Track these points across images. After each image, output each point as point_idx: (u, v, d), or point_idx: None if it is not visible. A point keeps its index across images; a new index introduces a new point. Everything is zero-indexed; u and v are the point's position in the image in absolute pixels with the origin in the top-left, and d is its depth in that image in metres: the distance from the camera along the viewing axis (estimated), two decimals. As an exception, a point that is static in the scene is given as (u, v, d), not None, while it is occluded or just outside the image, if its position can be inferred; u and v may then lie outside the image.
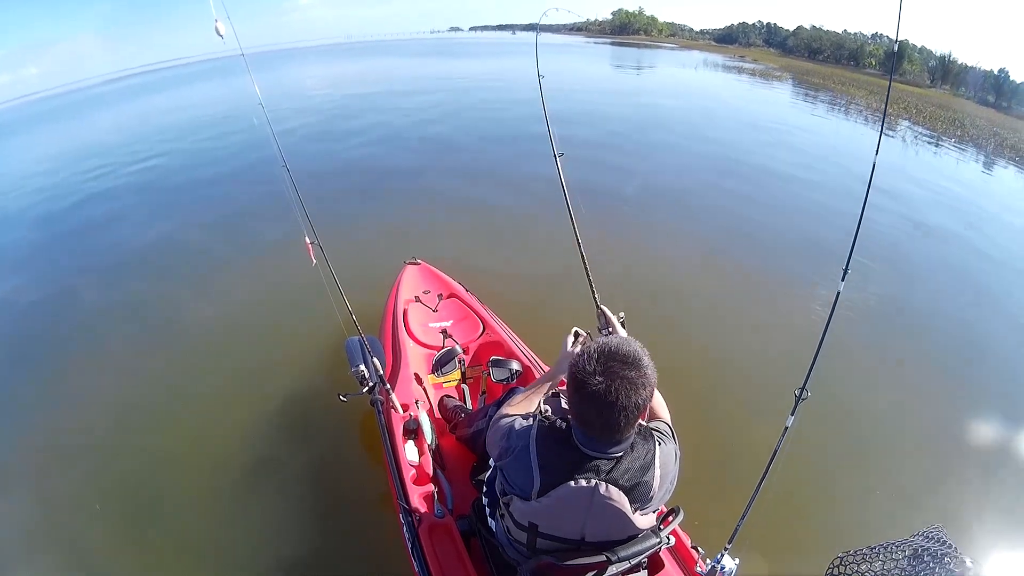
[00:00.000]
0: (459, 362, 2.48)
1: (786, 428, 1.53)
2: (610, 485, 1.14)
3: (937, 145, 12.80)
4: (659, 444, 1.21)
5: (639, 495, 1.17)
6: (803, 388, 1.52)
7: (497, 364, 2.29)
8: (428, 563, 1.58)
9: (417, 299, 3.01)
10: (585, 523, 1.19)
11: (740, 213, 6.07)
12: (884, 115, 1.84)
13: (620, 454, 1.16)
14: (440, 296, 3.03)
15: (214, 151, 9.58)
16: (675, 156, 8.56)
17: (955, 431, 3.00)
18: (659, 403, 1.43)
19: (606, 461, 1.15)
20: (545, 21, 2.48)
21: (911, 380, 3.44)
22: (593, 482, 1.14)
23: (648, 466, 1.17)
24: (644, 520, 1.20)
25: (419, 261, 3.40)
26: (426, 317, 2.89)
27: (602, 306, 1.69)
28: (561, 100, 12.79)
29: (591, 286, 1.87)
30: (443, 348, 2.52)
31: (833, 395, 2.95)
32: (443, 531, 1.66)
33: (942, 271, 5.19)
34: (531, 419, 1.26)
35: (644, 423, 1.22)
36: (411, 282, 3.18)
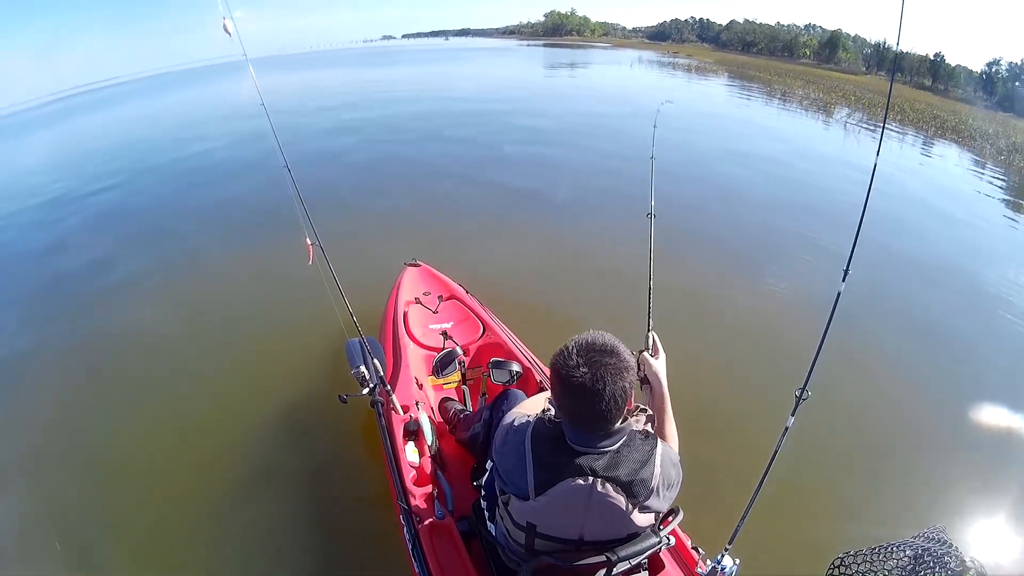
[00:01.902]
0: (459, 364, 2.47)
1: (786, 428, 1.53)
2: (607, 482, 1.14)
3: (874, 129, 12.83)
4: (660, 443, 1.22)
5: (638, 492, 1.16)
6: (804, 388, 1.51)
7: (497, 366, 2.28)
8: (428, 564, 1.57)
9: (417, 300, 3.01)
10: (583, 522, 1.19)
11: (735, 212, 6.08)
12: (885, 118, 1.84)
13: (610, 448, 1.16)
14: (440, 298, 3.03)
15: (207, 155, 9.57)
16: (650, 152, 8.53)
17: (956, 430, 3.01)
18: (671, 434, 1.46)
19: (596, 456, 1.15)
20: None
21: (913, 379, 3.44)
22: (590, 480, 1.14)
23: (647, 461, 1.18)
24: (643, 519, 1.20)
25: (419, 263, 3.40)
26: (426, 319, 2.89)
27: (652, 332, 1.66)
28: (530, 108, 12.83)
29: (649, 309, 1.80)
30: (443, 350, 2.52)
31: (834, 395, 2.95)
32: (443, 532, 1.66)
33: (938, 265, 5.20)
34: (532, 416, 1.27)
35: (648, 430, 1.23)
36: (411, 283, 3.19)
